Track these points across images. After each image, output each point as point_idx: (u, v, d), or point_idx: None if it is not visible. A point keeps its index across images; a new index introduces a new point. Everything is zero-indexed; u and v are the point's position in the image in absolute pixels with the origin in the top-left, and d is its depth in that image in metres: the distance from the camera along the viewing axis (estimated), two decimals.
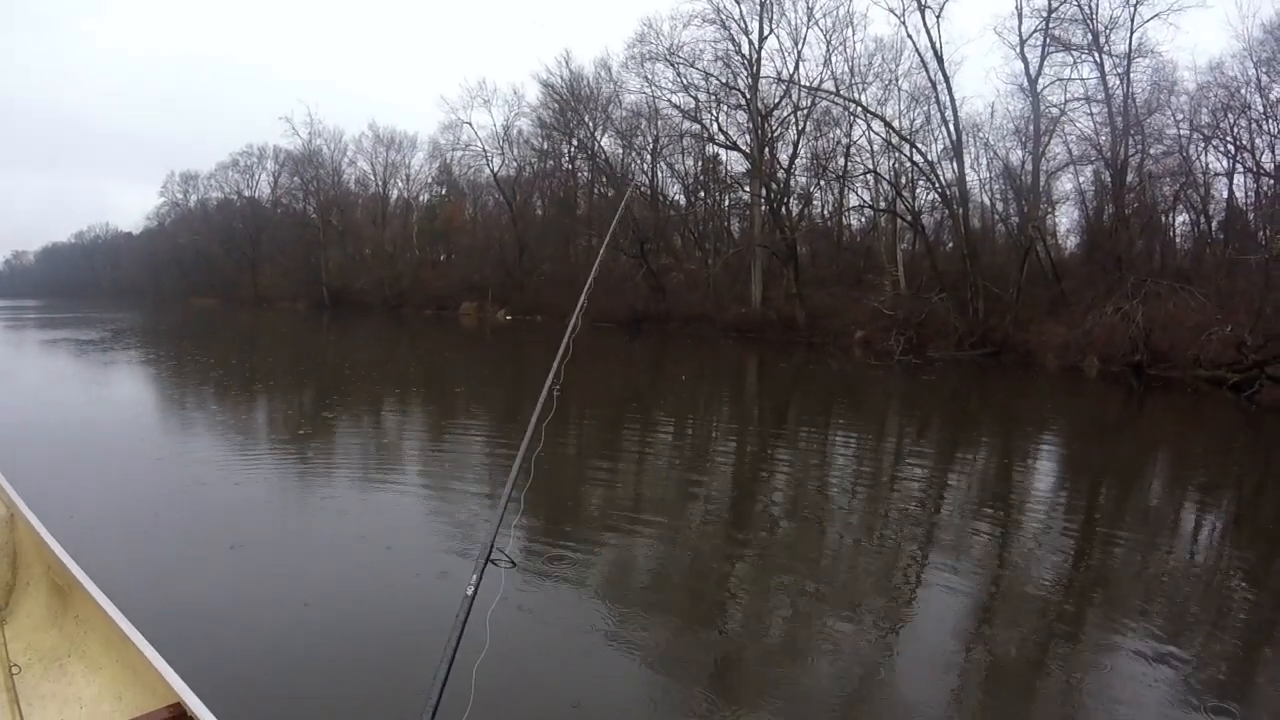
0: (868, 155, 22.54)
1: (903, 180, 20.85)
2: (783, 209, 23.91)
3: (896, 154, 21.29)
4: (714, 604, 4.91)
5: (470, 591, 1.77)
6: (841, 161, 23.74)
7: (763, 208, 24.46)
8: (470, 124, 38.88)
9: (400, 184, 47.79)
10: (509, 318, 32.99)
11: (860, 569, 5.31)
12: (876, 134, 21.68)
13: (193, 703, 2.64)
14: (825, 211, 26.93)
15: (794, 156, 24.32)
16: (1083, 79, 18.06)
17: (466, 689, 1.88)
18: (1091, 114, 18.14)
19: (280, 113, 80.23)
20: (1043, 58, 18.24)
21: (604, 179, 32.47)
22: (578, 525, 6.53)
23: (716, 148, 27.78)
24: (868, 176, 22.93)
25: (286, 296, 48.62)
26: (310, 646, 4.51)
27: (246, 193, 57.09)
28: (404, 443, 10.71)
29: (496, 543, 1.90)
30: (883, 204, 22.22)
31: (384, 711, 3.90)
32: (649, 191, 30.80)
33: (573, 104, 32.34)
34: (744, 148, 25.55)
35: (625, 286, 28.46)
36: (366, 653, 4.40)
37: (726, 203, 28.98)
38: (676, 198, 31.06)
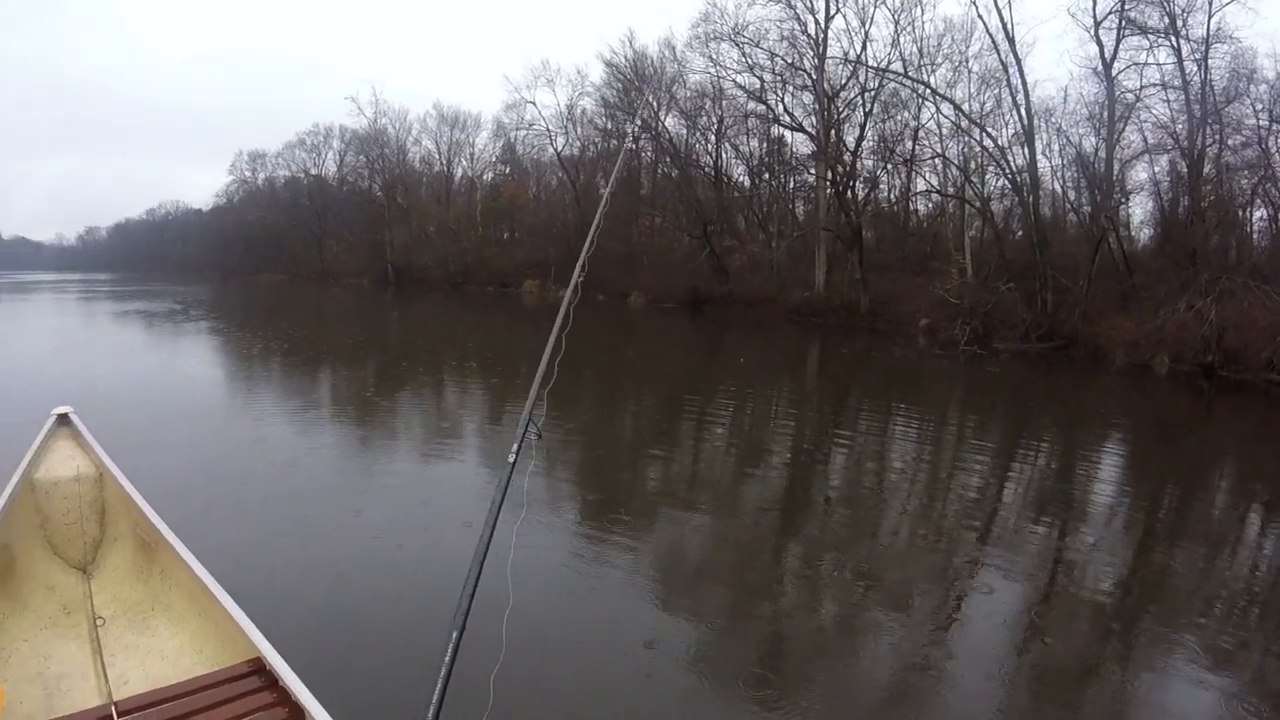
0: (936, 139, 22.24)
1: (972, 165, 20.47)
2: (848, 192, 23.65)
3: (965, 138, 20.89)
4: (764, 586, 4.94)
5: (511, 459, 2.08)
6: (909, 145, 23.48)
7: (828, 191, 24.21)
8: (534, 103, 39.30)
9: (464, 162, 48.59)
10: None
11: (914, 560, 5.30)
12: (945, 117, 21.36)
13: (272, 657, 2.80)
14: (891, 196, 26.66)
15: (860, 139, 24.03)
16: (1159, 64, 17.47)
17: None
18: (1168, 101, 17.55)
19: (346, 93, 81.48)
20: (1118, 41, 17.64)
21: (668, 159, 32.46)
22: (632, 501, 6.65)
23: (782, 129, 27.55)
24: (935, 161, 22.62)
25: (352, 272, 49.68)
26: (373, 598, 4.67)
27: (313, 171, 58.29)
28: (464, 410, 11.13)
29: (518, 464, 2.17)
30: (951, 189, 21.82)
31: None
32: (713, 172, 30.89)
33: (636, 84, 32.26)
34: (810, 129, 25.27)
35: (688, 267, 28.73)
36: (427, 601, 4.45)
37: (791, 185, 28.78)
38: (741, 179, 31.08)
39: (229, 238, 66.09)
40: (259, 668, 2.91)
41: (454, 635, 1.78)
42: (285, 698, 2.72)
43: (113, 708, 2.66)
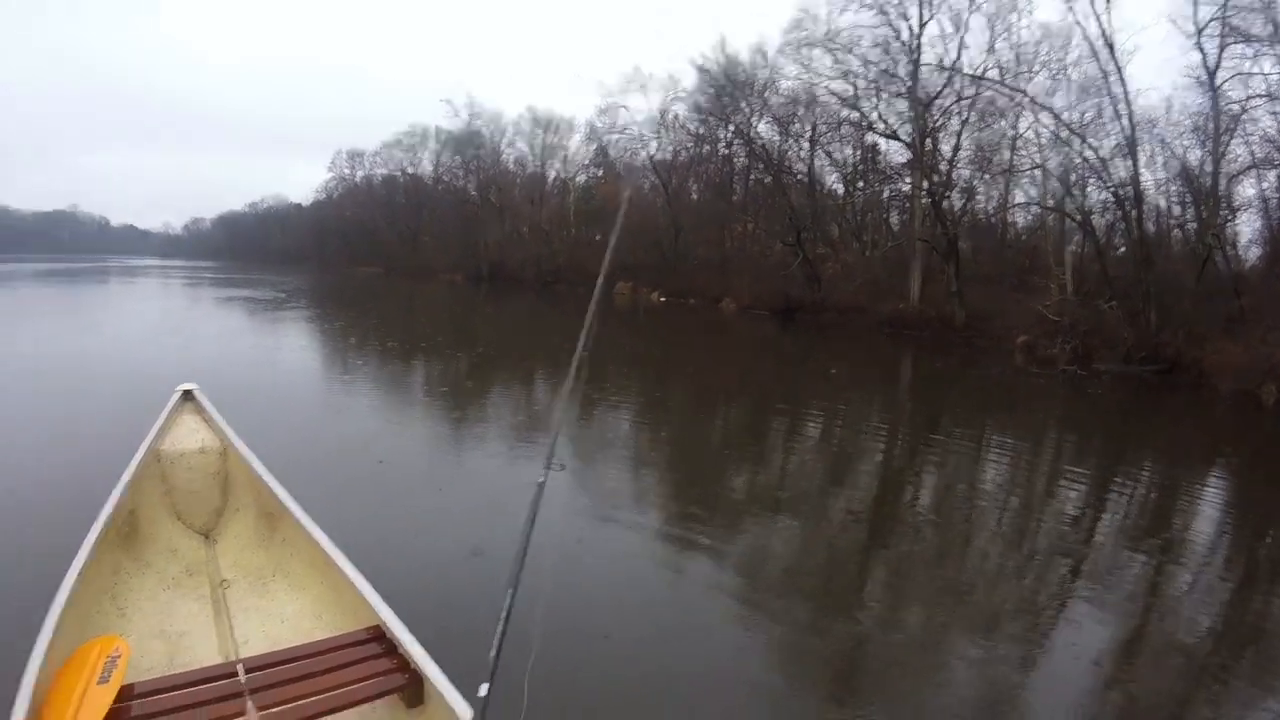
0: (1035, 150, 21.71)
1: (1072, 177, 19.89)
2: (944, 202, 23.43)
3: (1065, 149, 20.26)
4: (846, 599, 4.94)
5: (540, 480, 2.20)
6: (1007, 155, 23.15)
7: (924, 200, 24.08)
8: (626, 108, 39.94)
9: (558, 165, 49.73)
10: (662, 299, 33.87)
11: (1001, 586, 5.24)
12: (1044, 127, 20.75)
13: (393, 624, 2.92)
14: (989, 207, 26.24)
15: (957, 148, 23.88)
16: (1264, 74, 16.69)
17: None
18: (1276, 113, 16.82)
19: (441, 96, 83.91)
20: (1221, 49, 16.94)
21: (761, 165, 32.72)
22: (716, 510, 6.66)
23: (876, 136, 27.38)
24: (1034, 172, 22.11)
25: (446, 268, 51.13)
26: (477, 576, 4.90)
27: (409, 169, 60.88)
28: (543, 407, 11.39)
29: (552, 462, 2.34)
30: (1050, 202, 21.31)
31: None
32: (806, 179, 31.02)
33: (729, 89, 32.52)
34: (904, 137, 25.09)
35: (780, 274, 28.86)
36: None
37: (886, 194, 28.72)
38: (835, 187, 31.10)
39: (327, 231, 69.45)
40: (379, 635, 3.03)
41: (509, 592, 1.85)
42: (405, 665, 2.84)
43: (238, 665, 2.81)
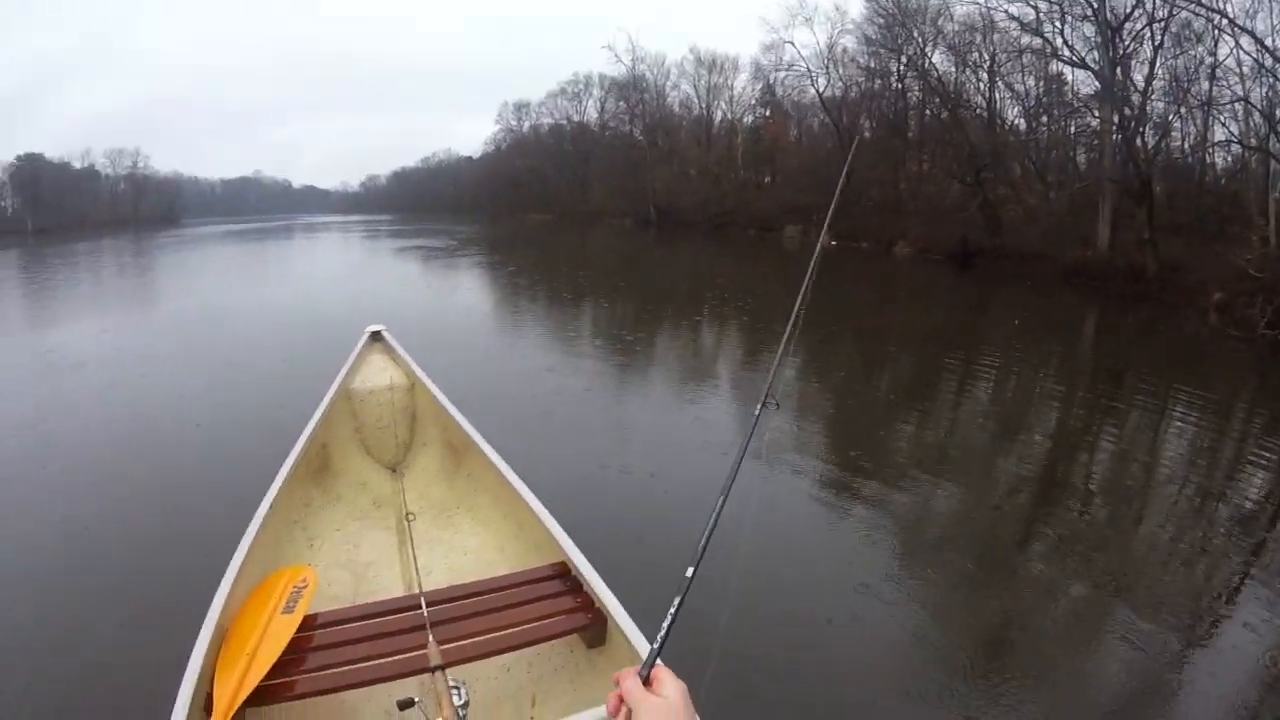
0: (1236, 80, 19.86)
1: (1278, 113, 18.26)
2: (1136, 139, 21.89)
3: (1270, 79, 18.52)
4: (1004, 569, 4.93)
5: (756, 410, 1.85)
6: (1205, 86, 21.30)
7: (1114, 136, 22.60)
8: (792, 43, 39.56)
9: (723, 106, 50.10)
10: (833, 243, 33.35)
11: (1173, 569, 5.03)
12: (1246, 53, 18.94)
13: (578, 561, 2.90)
14: (1185, 146, 24.15)
15: (1150, 78, 21.95)
16: None
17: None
18: None
19: (602, 43, 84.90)
20: None
21: (936, 99, 31.74)
22: (878, 462, 6.80)
23: (1060, 65, 25.97)
24: (1236, 106, 20.23)
25: (614, 213, 52.82)
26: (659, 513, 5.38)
27: (575, 117, 63.36)
28: (720, 350, 12.17)
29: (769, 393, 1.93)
30: (1253, 141, 19.55)
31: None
32: (985, 114, 29.92)
33: (900, 18, 31.59)
34: (1092, 65, 23.49)
35: (957, 216, 28.20)
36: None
37: (1072, 129, 27.19)
38: (1016, 121, 29.66)
39: (497, 182, 73.00)
40: (563, 572, 3.02)
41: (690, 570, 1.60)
42: (589, 603, 2.80)
43: (421, 598, 2.83)
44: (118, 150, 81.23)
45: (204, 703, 2.29)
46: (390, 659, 2.59)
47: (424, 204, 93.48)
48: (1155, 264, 19.66)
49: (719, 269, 26.79)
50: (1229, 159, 23.30)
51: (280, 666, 2.49)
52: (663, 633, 1.32)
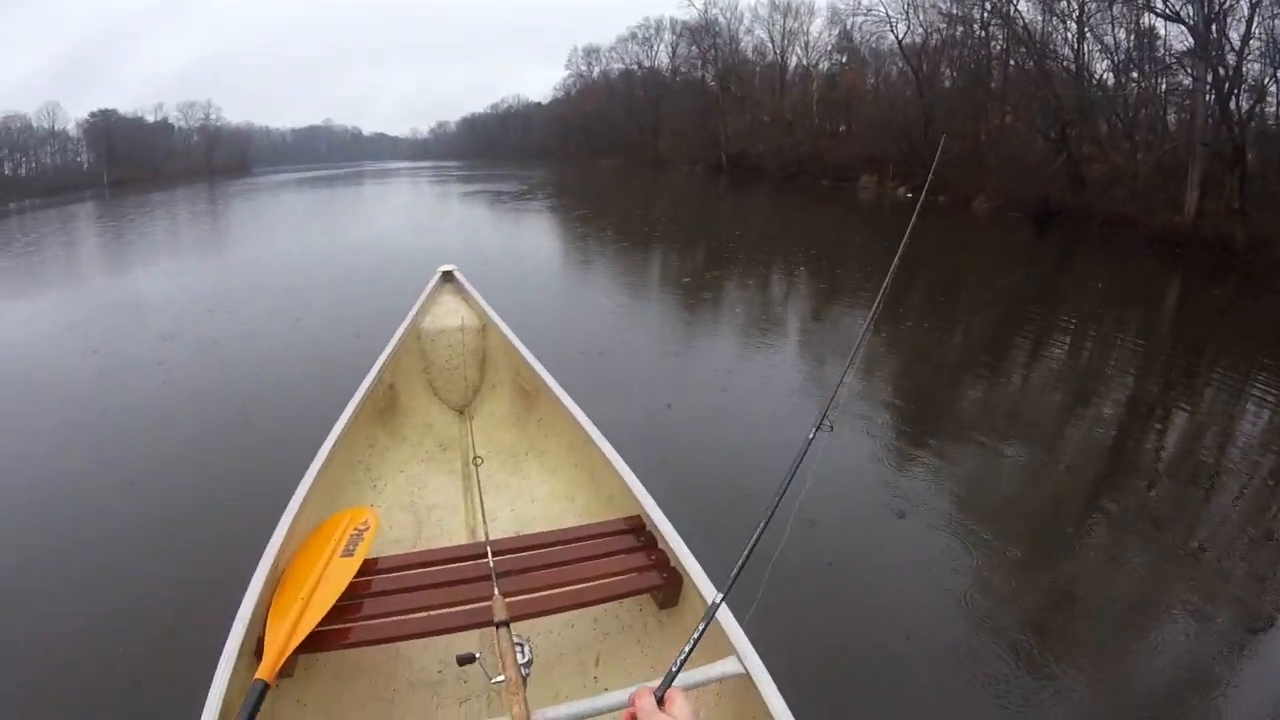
0: None
1: None
2: (1231, 101, 21.12)
3: None
4: (1065, 542, 4.87)
5: (810, 435, 1.82)
6: None
7: (1206, 97, 21.85)
8: None
9: (799, 51, 49.31)
10: (909, 195, 33.26)
11: (1233, 558, 4.89)
12: None
13: (654, 515, 2.77)
14: None
15: (1247, 36, 21.06)
16: None
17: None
18: None
19: None
20: None
21: (1022, 49, 30.92)
22: (945, 416, 6.88)
23: (1152, 19, 24.94)
24: None
25: (685, 159, 52.77)
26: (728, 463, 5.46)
27: (646, 63, 62.93)
28: (791, 302, 12.17)
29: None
30: None
31: None
32: (1073, 66, 29.17)
33: None
34: (1186, 20, 22.48)
35: (1040, 173, 27.47)
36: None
37: (1163, 87, 26.22)
38: (1104, 76, 28.57)
39: (567, 127, 73.54)
40: (637, 526, 2.87)
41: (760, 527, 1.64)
42: (663, 561, 2.66)
43: (487, 547, 2.73)
44: (189, 103, 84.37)
45: (255, 647, 2.24)
46: (452, 609, 2.50)
47: (493, 150, 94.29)
48: (1245, 235, 19.20)
49: (790, 219, 26.73)
50: None
51: (336, 612, 2.43)
52: (689, 645, 1.39)
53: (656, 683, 1.12)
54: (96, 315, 11.99)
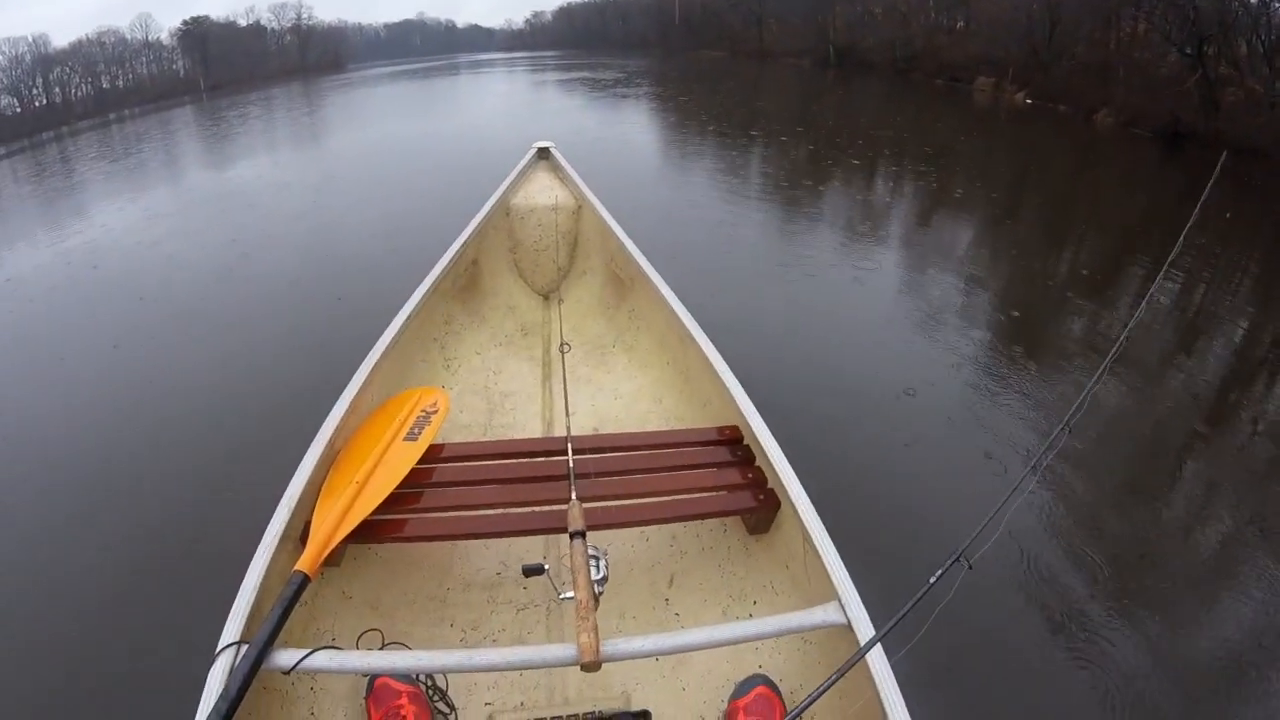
0: None
1: None
2: None
3: None
4: (1150, 494, 4.75)
5: (932, 580, 1.56)
6: None
7: None
8: None
9: None
10: (1029, 101, 32.40)
11: None
12: None
13: (756, 426, 2.55)
14: None
15: None
16: None
17: None
18: None
19: None
20: None
21: None
22: (1035, 358, 6.50)
23: None
24: None
25: (791, 52, 51.10)
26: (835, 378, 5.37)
27: None
28: (894, 209, 11.74)
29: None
30: None
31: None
32: None
33: None
34: None
35: (1171, 90, 26.56)
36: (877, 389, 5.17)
37: None
38: None
39: (669, 18, 71.12)
40: (734, 438, 2.67)
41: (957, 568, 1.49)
42: (761, 480, 2.45)
43: (568, 443, 2.50)
44: (281, 3, 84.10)
45: (300, 533, 2.09)
46: (522, 509, 2.34)
47: (591, 41, 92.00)
48: None
49: (898, 119, 25.89)
50: None
51: (393, 501, 2.26)
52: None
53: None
54: (220, 199, 13.28)
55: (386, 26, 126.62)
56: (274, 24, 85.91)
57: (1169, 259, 2.99)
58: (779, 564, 2.30)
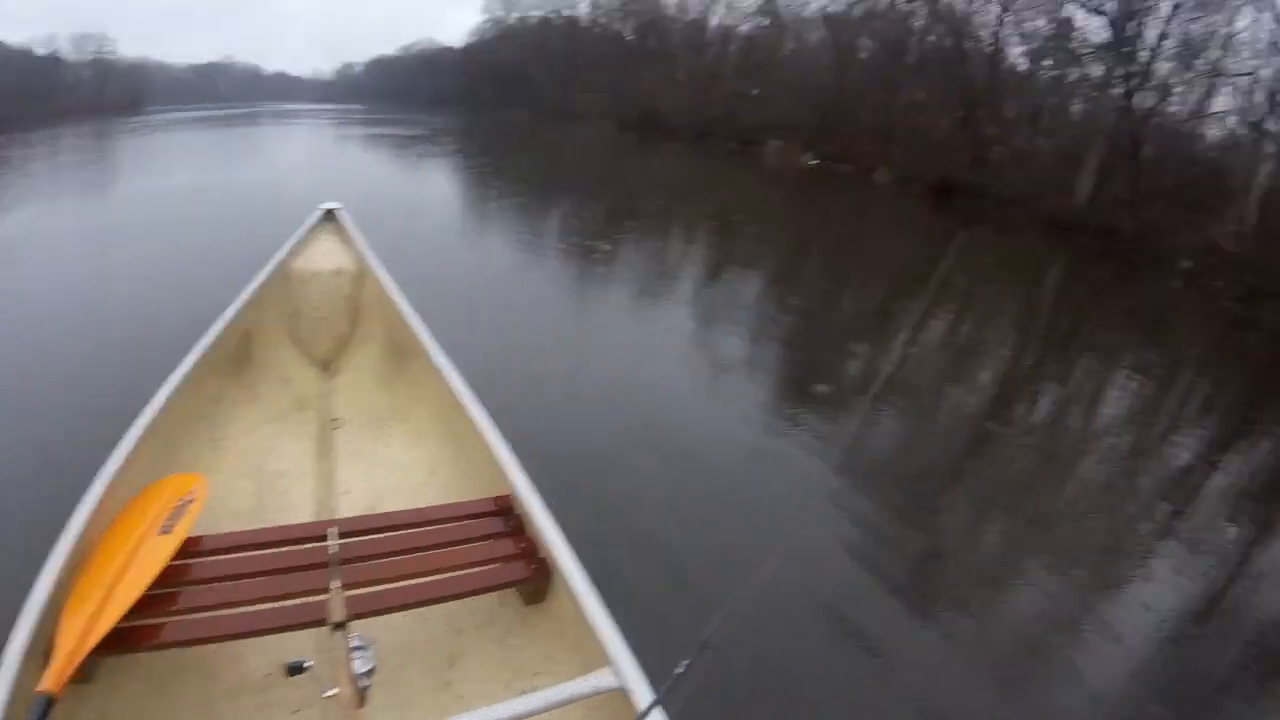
0: (1248, 55, 19.50)
1: None
2: (1135, 97, 21.67)
3: None
4: (930, 503, 4.99)
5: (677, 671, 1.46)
6: (1215, 55, 20.86)
7: (1113, 91, 22.33)
8: None
9: (721, 11, 48.00)
10: (813, 162, 33.17)
11: (1093, 521, 5.12)
12: (1265, 29, 18.69)
13: (526, 495, 2.51)
14: (1181, 113, 23.32)
15: (1162, 36, 21.59)
16: None
17: None
18: None
19: None
20: None
21: (942, 27, 30.68)
22: (817, 391, 6.65)
23: (1074, 8, 25.01)
24: (1240, 80, 19.84)
25: (596, 114, 50.92)
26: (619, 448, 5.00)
27: (566, 11, 60.26)
28: (687, 264, 11.93)
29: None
30: (1251, 119, 19.21)
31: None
32: (990, 48, 29.00)
33: None
34: (1107, 13, 22.77)
35: (944, 150, 27.63)
36: (669, 457, 4.90)
37: (1072, 78, 26.32)
38: (1018, 62, 28.86)
39: (479, 75, 69.64)
40: (505, 508, 2.62)
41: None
42: (532, 550, 2.42)
43: (333, 527, 2.42)
44: (83, 35, 76.00)
45: (45, 648, 1.85)
46: (284, 603, 2.17)
47: (401, 95, 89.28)
48: (1132, 224, 19.57)
49: (695, 179, 26.62)
50: (1223, 133, 22.81)
51: (150, 603, 2.07)
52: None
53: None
54: None
55: (192, 68, 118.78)
56: (74, 55, 76.68)
57: (923, 309, 3.20)
58: (558, 633, 2.29)
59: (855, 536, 4.32)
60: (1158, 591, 4.35)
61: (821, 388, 6.99)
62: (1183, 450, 7.05)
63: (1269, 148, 18.36)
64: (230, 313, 3.72)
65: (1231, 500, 6.09)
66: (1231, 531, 5.42)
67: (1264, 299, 14.75)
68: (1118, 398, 8.51)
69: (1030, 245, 19.78)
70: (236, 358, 3.83)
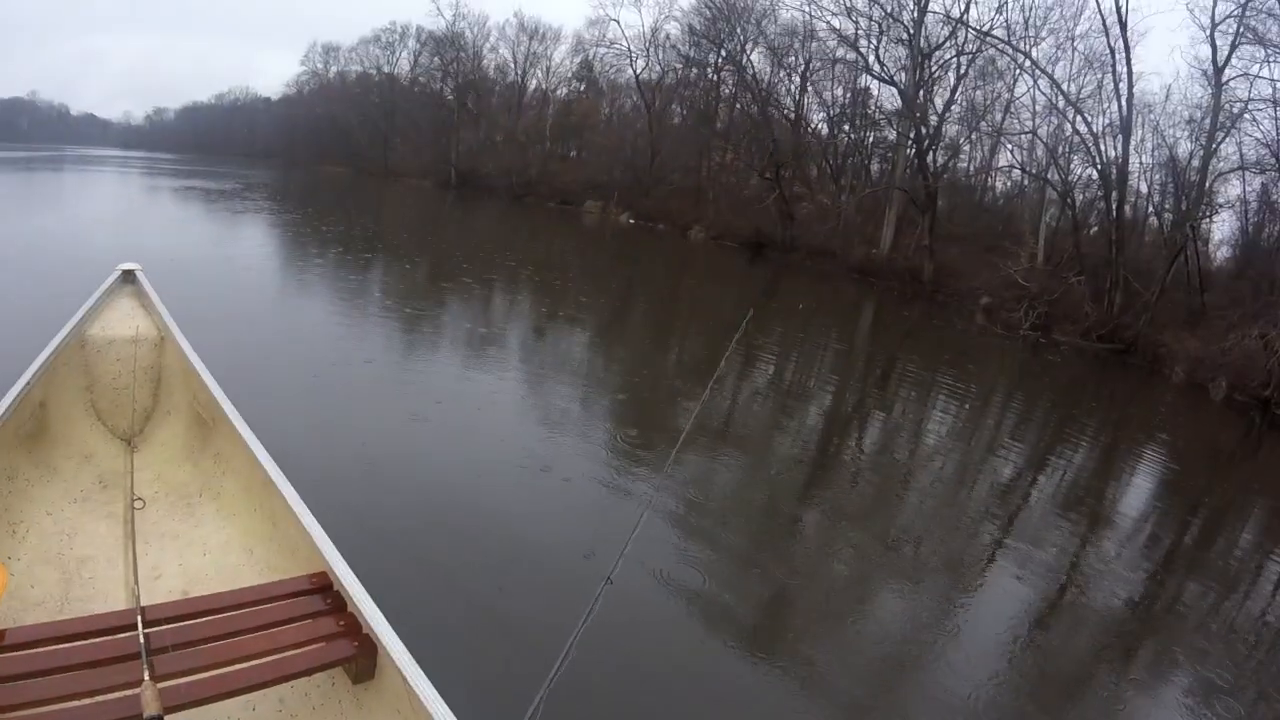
0: (1027, 116, 21.31)
1: (1060, 149, 19.78)
2: (929, 156, 23.28)
3: (1059, 119, 20.08)
4: (780, 543, 4.99)
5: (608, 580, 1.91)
6: (999, 117, 22.88)
7: (908, 151, 23.92)
8: (618, 22, 38.98)
9: (539, 75, 48.54)
10: (631, 221, 33.56)
11: (932, 540, 5.27)
12: (1041, 93, 20.48)
13: (342, 574, 2.32)
14: (971, 168, 25.99)
15: (949, 103, 23.57)
16: (1273, 80, 16.22)
17: None
18: (1277, 118, 16.35)
19: None
20: (1233, 47, 16.48)
21: (749, 95, 31.95)
22: (657, 439, 6.53)
23: (870, 80, 26.82)
24: (1023, 138, 21.72)
25: (415, 172, 49.97)
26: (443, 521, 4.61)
27: (386, 68, 58.70)
28: (513, 319, 11.53)
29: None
30: (1034, 170, 21.13)
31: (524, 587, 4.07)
32: (793, 115, 30.43)
33: (726, 14, 31.63)
34: (898, 84, 24.52)
35: (754, 208, 28.74)
36: (494, 529, 4.56)
37: (870, 140, 28.24)
38: (820, 126, 30.41)
39: (296, 128, 66.61)
40: (324, 585, 2.45)
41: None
42: (355, 627, 2.26)
43: (139, 614, 2.20)
44: None
45: None
46: (95, 699, 1.92)
47: (214, 145, 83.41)
48: (932, 268, 20.68)
49: (515, 238, 26.05)
50: (1009, 184, 25.19)
51: None
52: None
53: None
54: None
55: None
56: None
57: (726, 353, 3.38)
58: (390, 710, 2.15)
59: (685, 578, 4.18)
60: (1000, 599, 4.51)
61: (648, 434, 6.76)
62: (1005, 464, 7.55)
63: (1051, 194, 19.78)
64: (21, 383, 3.37)
65: (1058, 502, 6.57)
66: (1057, 534, 5.75)
67: (1056, 323, 16.03)
68: (940, 422, 8.88)
69: (841, 291, 20.40)
70: (32, 432, 3.52)
